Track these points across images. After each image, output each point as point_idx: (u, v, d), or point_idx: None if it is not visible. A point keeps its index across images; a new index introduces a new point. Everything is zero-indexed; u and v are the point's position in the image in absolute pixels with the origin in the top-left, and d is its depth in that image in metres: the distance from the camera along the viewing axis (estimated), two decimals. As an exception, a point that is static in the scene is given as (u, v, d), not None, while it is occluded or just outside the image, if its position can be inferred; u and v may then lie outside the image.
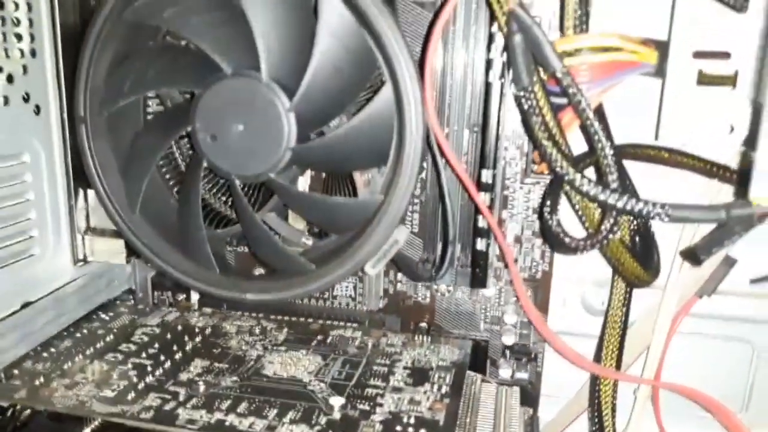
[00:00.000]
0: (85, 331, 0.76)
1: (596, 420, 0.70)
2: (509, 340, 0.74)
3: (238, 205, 0.63)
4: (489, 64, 0.64)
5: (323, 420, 0.56)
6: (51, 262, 0.76)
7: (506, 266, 0.71)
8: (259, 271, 0.78)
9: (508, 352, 0.76)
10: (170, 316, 0.80)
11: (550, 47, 0.55)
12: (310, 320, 0.79)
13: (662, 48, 0.60)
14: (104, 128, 0.65)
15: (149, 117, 0.70)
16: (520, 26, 0.55)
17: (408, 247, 0.73)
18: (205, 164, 0.62)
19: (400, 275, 0.77)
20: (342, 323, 0.78)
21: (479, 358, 0.75)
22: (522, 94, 0.57)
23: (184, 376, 0.64)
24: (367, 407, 0.59)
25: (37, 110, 0.72)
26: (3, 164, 0.69)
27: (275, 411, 0.58)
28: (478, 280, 0.69)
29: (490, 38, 0.63)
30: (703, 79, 0.59)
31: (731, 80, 0.59)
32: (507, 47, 0.58)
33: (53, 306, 0.75)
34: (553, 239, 0.60)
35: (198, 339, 0.73)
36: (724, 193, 0.64)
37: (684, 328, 0.71)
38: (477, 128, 0.69)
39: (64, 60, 0.73)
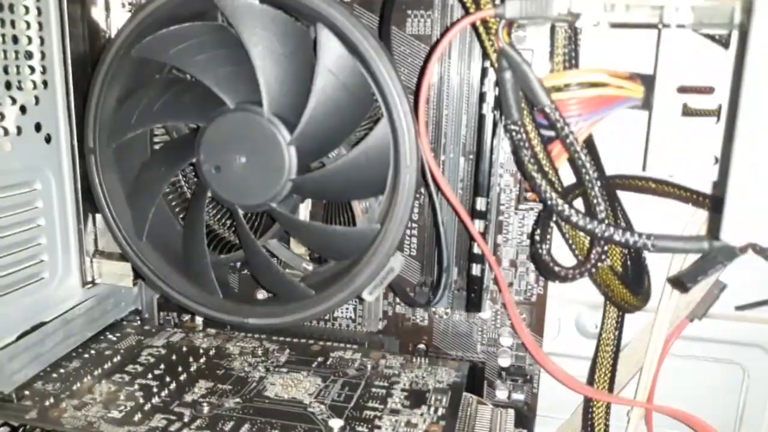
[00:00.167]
0: (93, 351, 0.78)
1: (590, 441, 0.72)
2: (505, 362, 0.76)
3: (241, 233, 0.66)
4: (482, 97, 0.66)
5: (322, 442, 0.58)
6: (60, 285, 0.79)
7: (500, 291, 0.73)
8: (261, 294, 0.80)
9: (504, 374, 0.77)
10: (175, 337, 0.82)
11: (538, 84, 0.57)
12: (311, 342, 0.81)
13: (648, 82, 0.62)
14: (112, 159, 0.67)
15: (156, 147, 0.72)
16: (509, 63, 0.58)
17: (406, 269, 0.75)
18: (209, 194, 0.65)
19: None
20: (342, 344, 0.80)
21: (476, 380, 0.77)
22: (512, 127, 0.60)
23: (188, 398, 0.66)
24: (365, 429, 0.60)
25: (48, 139, 0.75)
26: (15, 192, 0.71)
27: (276, 433, 0.60)
28: (473, 305, 0.71)
29: (483, 72, 0.66)
30: (688, 112, 0.62)
31: (716, 113, 0.61)
32: (498, 82, 0.60)
33: (62, 328, 0.77)
34: (544, 268, 0.62)
35: (202, 360, 0.75)
36: (711, 221, 0.66)
37: (676, 351, 0.73)
38: (472, 156, 0.72)
39: (75, 90, 0.76)
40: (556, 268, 0.60)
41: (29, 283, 0.74)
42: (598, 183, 0.57)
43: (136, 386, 0.69)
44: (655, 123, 0.62)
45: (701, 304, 0.72)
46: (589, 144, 0.65)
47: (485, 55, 0.63)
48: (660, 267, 0.70)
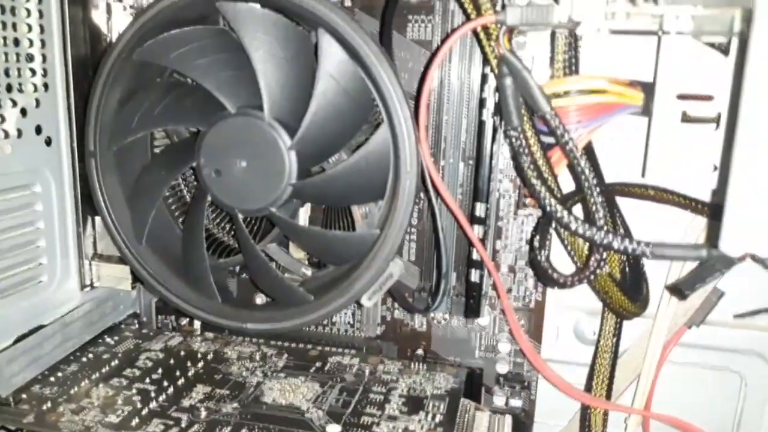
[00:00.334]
0: (90, 355, 0.78)
1: (588, 448, 0.72)
2: (503, 368, 0.76)
3: (240, 238, 0.66)
4: (482, 102, 0.67)
5: (320, 447, 0.58)
6: (59, 288, 0.79)
7: (499, 297, 0.73)
8: (260, 298, 0.80)
9: (502, 380, 0.77)
10: (173, 341, 0.82)
11: (538, 91, 0.57)
12: (309, 346, 0.81)
13: (648, 89, 0.62)
14: (113, 162, 0.67)
15: (156, 150, 0.72)
16: (510, 69, 0.58)
17: (405, 274, 0.75)
18: (209, 198, 0.65)
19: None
20: (340, 350, 0.80)
21: (474, 386, 0.76)
22: (512, 133, 0.60)
23: (186, 402, 0.66)
24: (362, 435, 0.61)
25: (49, 141, 0.75)
26: (15, 194, 0.71)
27: (273, 438, 0.60)
28: (471, 311, 0.71)
29: (483, 78, 0.66)
30: (688, 119, 0.62)
31: (715, 120, 0.61)
32: (498, 88, 0.60)
33: (60, 331, 0.77)
34: (543, 274, 0.62)
35: (200, 365, 0.75)
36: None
37: (674, 358, 0.73)
38: (472, 161, 0.72)
39: (75, 92, 0.76)
40: (555, 275, 0.60)
41: (28, 286, 0.74)
42: (597, 190, 0.57)
43: (134, 390, 0.68)
44: (654, 130, 0.62)
45: (699, 311, 0.72)
46: (589, 151, 0.65)
47: (486, 61, 0.63)
48: (658, 273, 0.70)
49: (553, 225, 0.62)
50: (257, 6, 0.59)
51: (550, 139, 0.61)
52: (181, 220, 0.75)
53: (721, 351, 0.74)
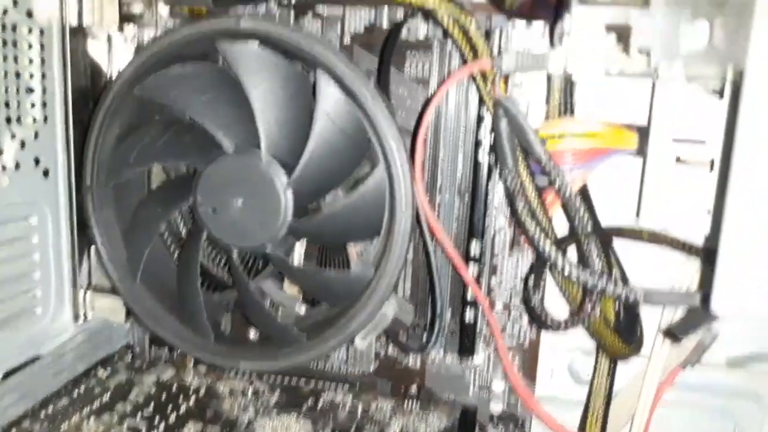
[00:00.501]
0: (83, 388, 0.77)
1: (581, 490, 0.71)
2: (497, 407, 0.76)
3: (235, 275, 0.66)
4: (478, 144, 0.67)
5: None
6: (53, 320, 0.78)
7: (493, 336, 0.73)
8: (253, 331, 0.80)
9: (496, 419, 0.77)
10: (166, 375, 0.82)
11: (533, 134, 0.58)
12: (303, 381, 0.80)
13: (643, 131, 0.63)
14: (110, 197, 0.68)
15: (153, 186, 0.73)
16: (506, 113, 0.59)
17: (399, 311, 0.75)
18: (205, 234, 0.65)
19: (391, 338, 0.79)
20: (333, 385, 0.79)
21: (468, 424, 0.76)
22: (507, 175, 0.60)
23: (177, 440, 0.66)
24: (354, 477, 0.60)
25: (46, 173, 0.75)
26: (11, 226, 0.71)
27: (264, 479, 0.59)
28: (466, 350, 0.71)
29: (479, 119, 0.67)
30: (682, 163, 0.62)
31: (709, 164, 0.62)
32: (493, 130, 0.61)
33: (53, 364, 0.76)
34: (536, 317, 0.62)
35: (192, 400, 0.75)
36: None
37: (668, 399, 0.72)
38: (467, 196, 0.72)
39: (74, 124, 0.76)
40: (548, 320, 0.60)
41: (21, 318, 0.73)
42: (592, 234, 0.58)
43: (125, 427, 0.68)
44: (649, 173, 0.62)
45: (693, 352, 0.71)
46: (584, 193, 0.65)
47: (481, 101, 0.63)
48: (653, 313, 0.70)
49: (547, 267, 0.62)
50: (256, 46, 0.60)
51: (546, 180, 0.61)
52: (176, 254, 0.75)
53: (715, 392, 0.74)
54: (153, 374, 0.82)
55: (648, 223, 0.64)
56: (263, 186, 0.62)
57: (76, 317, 0.81)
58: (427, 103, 0.64)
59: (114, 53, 0.79)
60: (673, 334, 0.61)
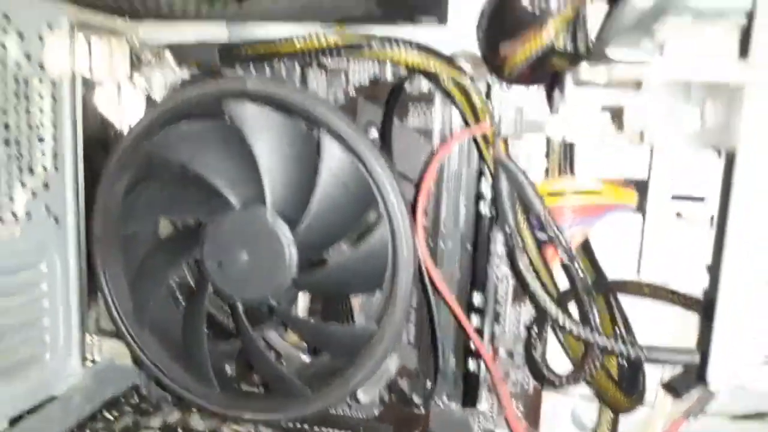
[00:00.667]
0: (89, 431, 0.78)
1: None
2: (500, 455, 0.76)
3: (240, 327, 0.67)
4: (479, 196, 0.68)
5: None
6: (61, 364, 0.79)
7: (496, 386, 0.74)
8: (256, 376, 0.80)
9: (499, 467, 0.77)
10: (172, 418, 0.82)
11: (533, 192, 0.59)
12: (306, 427, 0.81)
13: (642, 187, 0.63)
14: (118, 248, 0.69)
15: (160, 237, 0.74)
16: (506, 172, 0.60)
17: (403, 358, 0.76)
18: (210, 287, 0.66)
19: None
20: (337, 430, 0.80)
21: (471, 471, 0.76)
22: (507, 232, 0.61)
23: (181, 490, 0.66)
24: None
25: (56, 221, 0.76)
26: (21, 274, 0.73)
27: None
28: (469, 400, 0.71)
29: (480, 174, 0.67)
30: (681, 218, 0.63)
31: (709, 220, 0.62)
32: (494, 188, 0.62)
33: (60, 408, 0.77)
34: (537, 373, 0.62)
35: (197, 445, 0.75)
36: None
37: (672, 449, 0.72)
38: (470, 246, 0.73)
39: (85, 171, 0.78)
40: (550, 376, 0.61)
41: (30, 364, 0.74)
42: (592, 292, 0.58)
43: (131, 475, 0.69)
44: (648, 229, 0.63)
45: (697, 403, 0.71)
46: (586, 247, 0.66)
47: (483, 159, 0.64)
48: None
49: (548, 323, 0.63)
50: (261, 106, 0.61)
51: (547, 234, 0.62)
52: (181, 301, 0.76)
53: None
54: (159, 417, 0.82)
55: (648, 278, 0.65)
56: (268, 241, 0.63)
57: (83, 360, 0.82)
58: (428, 162, 0.65)
59: (123, 103, 0.81)
60: (674, 388, 0.61)
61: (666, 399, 0.71)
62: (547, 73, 0.53)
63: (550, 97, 0.56)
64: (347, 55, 0.66)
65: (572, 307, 0.61)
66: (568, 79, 0.46)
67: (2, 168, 0.68)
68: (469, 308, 0.70)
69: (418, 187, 0.66)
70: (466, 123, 0.61)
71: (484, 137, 0.60)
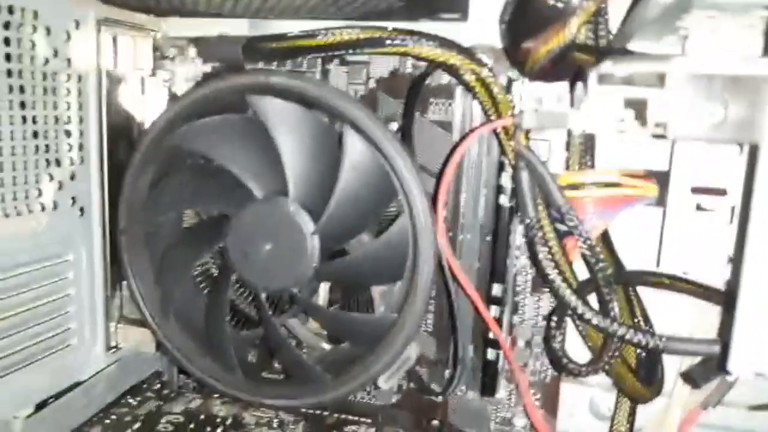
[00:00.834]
0: (113, 416, 0.80)
1: None
2: (517, 444, 0.77)
3: (262, 315, 0.68)
4: (499, 188, 0.69)
5: None
6: (86, 351, 0.81)
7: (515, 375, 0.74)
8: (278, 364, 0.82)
9: (517, 455, 0.78)
10: (194, 404, 0.84)
11: (554, 184, 0.59)
12: (326, 413, 0.82)
13: (663, 179, 0.64)
14: (143, 239, 0.70)
15: (185, 227, 0.75)
16: (527, 164, 0.60)
17: (422, 346, 0.77)
18: (234, 276, 0.67)
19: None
20: (356, 418, 0.81)
21: (489, 460, 0.77)
22: (528, 223, 0.61)
23: (205, 474, 0.68)
24: None
25: (82, 212, 0.78)
26: (48, 264, 0.74)
27: None
28: (487, 389, 0.72)
29: (501, 166, 0.68)
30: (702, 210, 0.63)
31: (729, 213, 0.63)
32: (514, 180, 0.62)
33: (85, 394, 0.79)
34: (557, 362, 0.63)
35: (219, 430, 0.77)
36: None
37: (689, 439, 0.73)
38: (489, 237, 0.73)
39: (109, 163, 0.79)
40: (570, 365, 0.61)
41: (56, 351, 0.76)
42: (612, 283, 0.59)
43: (155, 459, 0.70)
44: (669, 222, 0.63)
45: (715, 392, 0.72)
46: (605, 238, 0.66)
47: (503, 151, 0.65)
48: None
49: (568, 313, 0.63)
50: (284, 102, 0.62)
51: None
52: (205, 290, 0.77)
53: (737, 433, 0.74)
54: (181, 403, 0.84)
55: (668, 269, 0.65)
56: (291, 232, 0.64)
57: (108, 348, 0.84)
58: (448, 157, 0.65)
59: (147, 97, 0.82)
60: (693, 379, 0.62)
61: (684, 389, 0.72)
62: (569, 68, 0.53)
63: (572, 92, 0.56)
64: (368, 49, 0.66)
65: (591, 298, 0.62)
66: (591, 75, 0.46)
67: (30, 160, 0.69)
68: (488, 298, 0.71)
69: (438, 179, 0.67)
70: (487, 116, 0.61)
71: (505, 130, 0.60)
